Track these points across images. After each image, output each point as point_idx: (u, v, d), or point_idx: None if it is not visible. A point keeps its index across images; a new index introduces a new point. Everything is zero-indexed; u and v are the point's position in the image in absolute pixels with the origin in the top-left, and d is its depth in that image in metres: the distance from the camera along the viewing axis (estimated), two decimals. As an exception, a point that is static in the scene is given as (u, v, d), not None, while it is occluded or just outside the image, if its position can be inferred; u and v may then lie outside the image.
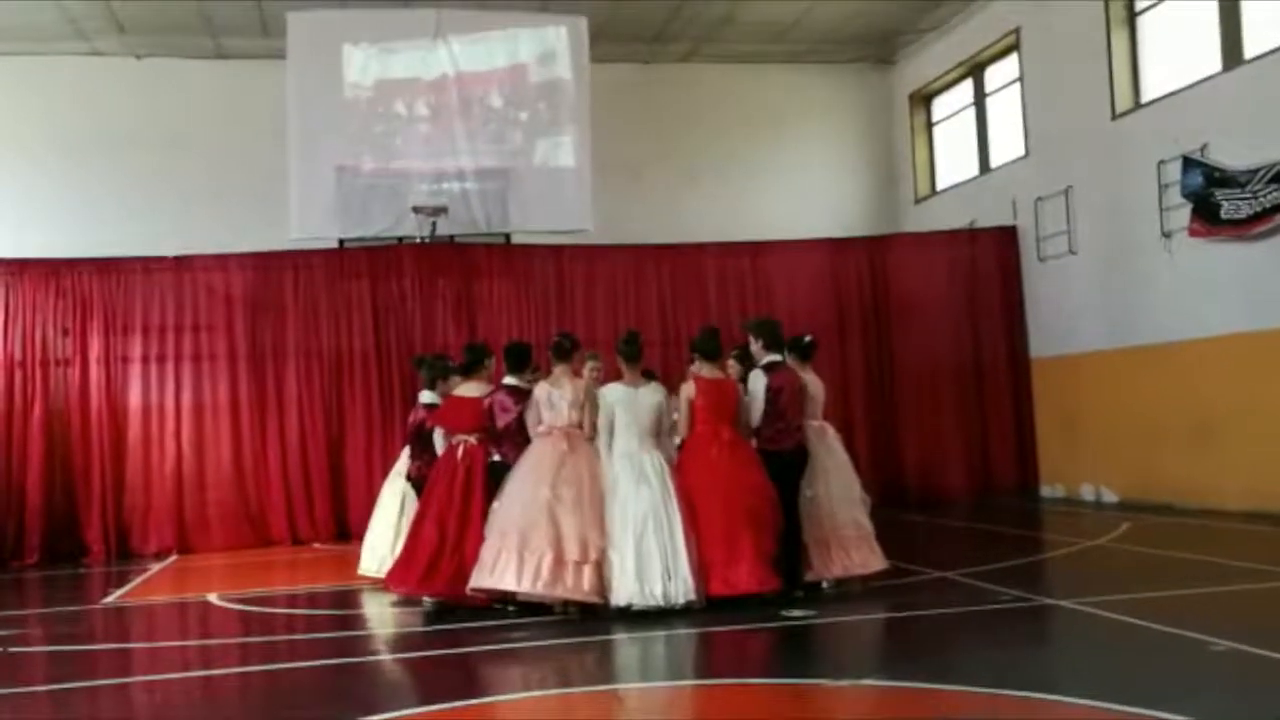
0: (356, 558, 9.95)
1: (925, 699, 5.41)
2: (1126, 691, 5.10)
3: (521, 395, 8.16)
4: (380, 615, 8.61)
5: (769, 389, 7.99)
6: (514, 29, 14.99)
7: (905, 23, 17.04)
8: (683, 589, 7.37)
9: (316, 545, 13.38)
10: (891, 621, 7.49)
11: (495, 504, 7.84)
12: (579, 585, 7.45)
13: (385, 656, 7.04)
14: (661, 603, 7.34)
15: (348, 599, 9.28)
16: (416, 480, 9.11)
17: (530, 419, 8.02)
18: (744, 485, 7.69)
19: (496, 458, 8.17)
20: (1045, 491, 14.96)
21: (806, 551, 8.08)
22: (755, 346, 8.29)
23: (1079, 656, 6.26)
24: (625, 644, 6.95)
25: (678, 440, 8.23)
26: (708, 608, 7.45)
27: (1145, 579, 8.44)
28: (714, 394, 7.93)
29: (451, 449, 8.48)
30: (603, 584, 7.51)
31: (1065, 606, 7.39)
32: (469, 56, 14.77)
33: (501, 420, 8.16)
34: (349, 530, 13.42)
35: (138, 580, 11.17)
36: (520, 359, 8.42)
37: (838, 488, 8.33)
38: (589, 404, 7.95)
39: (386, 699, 6.07)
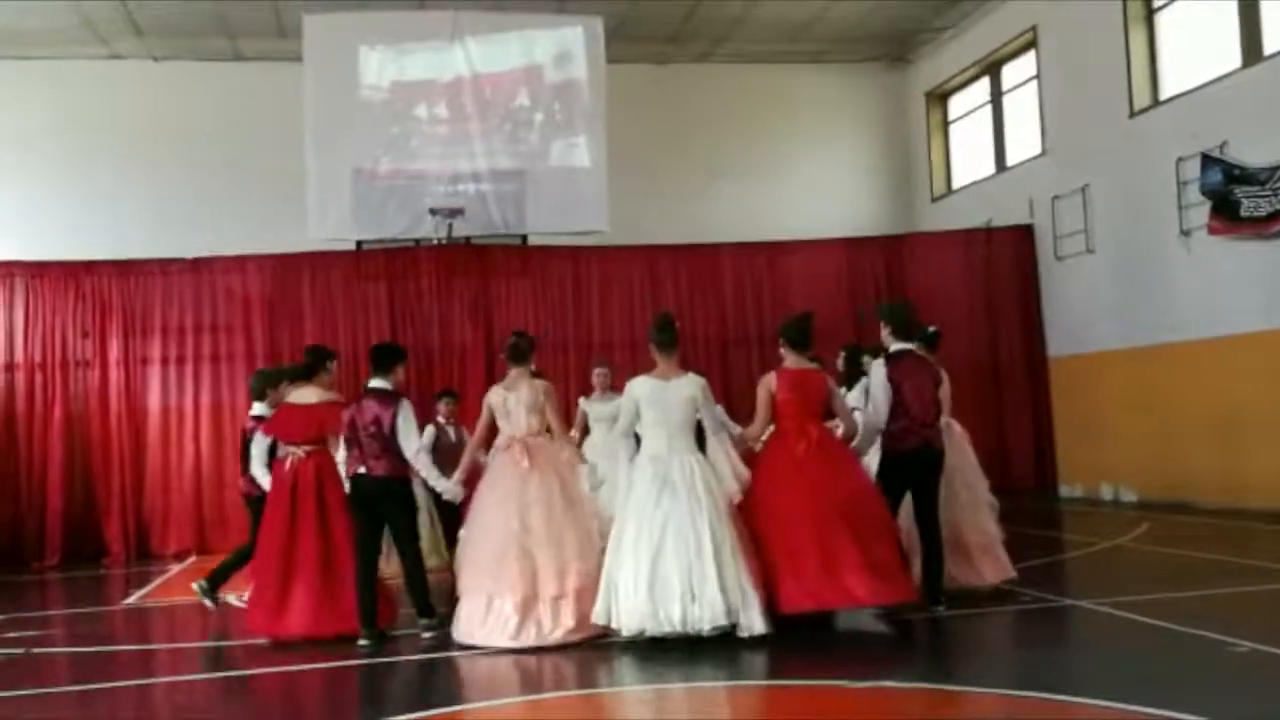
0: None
1: (945, 701, 5.40)
2: (1148, 693, 5.08)
3: (390, 400, 7.31)
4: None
5: (890, 380, 7.27)
6: (530, 30, 15.02)
7: (921, 21, 17.00)
8: (709, 614, 6.40)
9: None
10: (911, 623, 7.45)
11: (462, 534, 7.15)
12: (558, 622, 6.69)
13: (404, 658, 7.02)
14: (679, 628, 6.43)
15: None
16: (245, 495, 8.50)
17: (445, 430, 7.42)
18: (838, 487, 6.85)
19: (361, 470, 7.24)
20: (1064, 491, 14.90)
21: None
22: (884, 333, 7.53)
23: (1100, 658, 6.23)
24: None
25: (758, 434, 7.28)
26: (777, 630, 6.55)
27: (1166, 579, 8.40)
28: (799, 387, 7.08)
29: (279, 464, 7.69)
30: (587, 613, 6.72)
31: (1085, 607, 7.36)
32: (485, 58, 14.79)
33: (365, 428, 7.23)
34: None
35: (158, 581, 11.22)
36: (387, 359, 7.53)
37: (965, 491, 7.79)
38: (550, 406, 7.22)
39: (405, 700, 6.10)
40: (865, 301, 15.19)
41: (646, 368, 7.22)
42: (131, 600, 10.10)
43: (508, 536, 6.77)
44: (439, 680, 6.47)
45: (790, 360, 7.20)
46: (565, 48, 15.02)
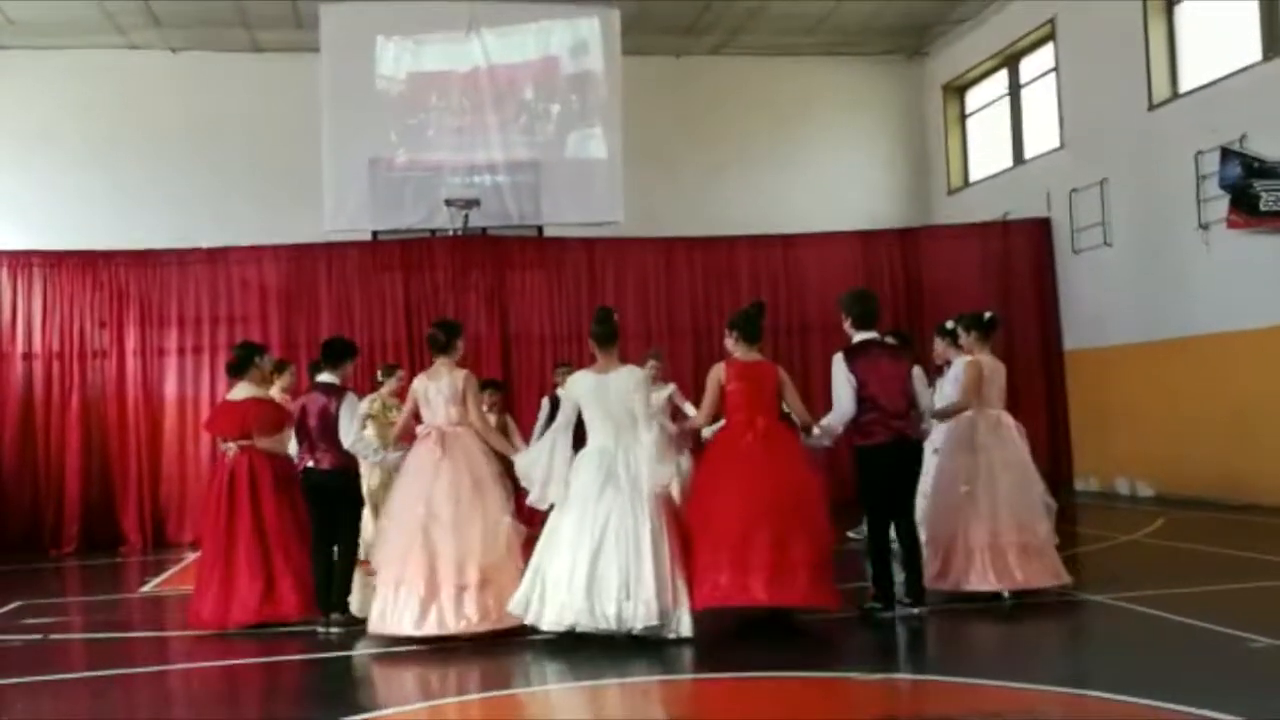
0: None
1: (961, 694, 5.39)
2: (1164, 688, 5.07)
3: (336, 393, 7.41)
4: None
5: (853, 373, 7.08)
6: (546, 21, 15.00)
7: (938, 14, 16.92)
8: (641, 613, 6.37)
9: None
10: (924, 616, 7.43)
11: (381, 523, 7.22)
12: (460, 613, 6.66)
13: (417, 647, 7.03)
14: (614, 626, 6.39)
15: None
16: None
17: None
18: (774, 482, 6.70)
19: (310, 464, 7.43)
20: (1079, 485, 14.84)
21: (956, 558, 7.42)
22: (845, 324, 7.38)
23: (1115, 652, 6.21)
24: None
25: (704, 427, 7.41)
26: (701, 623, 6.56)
27: (1182, 574, 8.38)
28: (749, 379, 6.96)
29: (220, 459, 7.89)
30: (496, 606, 6.70)
31: (1101, 601, 7.34)
32: (501, 49, 14.79)
33: (312, 421, 7.39)
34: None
35: (174, 569, 11.28)
36: (337, 354, 7.64)
37: (1007, 487, 7.52)
38: (471, 397, 7.11)
39: (421, 689, 6.12)
40: (881, 294, 15.10)
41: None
42: (147, 588, 10.16)
43: (414, 524, 6.80)
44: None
45: (740, 352, 7.11)
46: (581, 39, 15.01)
